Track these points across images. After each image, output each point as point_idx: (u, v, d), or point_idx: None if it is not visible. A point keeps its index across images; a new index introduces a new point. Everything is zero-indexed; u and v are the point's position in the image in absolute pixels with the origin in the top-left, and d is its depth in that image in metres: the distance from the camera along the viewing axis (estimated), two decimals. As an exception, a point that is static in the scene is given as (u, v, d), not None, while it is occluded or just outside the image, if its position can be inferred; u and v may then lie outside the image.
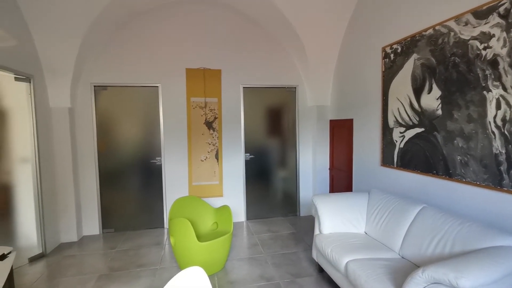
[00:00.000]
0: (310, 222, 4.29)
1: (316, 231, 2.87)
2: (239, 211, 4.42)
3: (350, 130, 3.79)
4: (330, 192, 4.41)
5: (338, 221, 2.76)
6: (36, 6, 3.07)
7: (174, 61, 4.09)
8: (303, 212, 4.64)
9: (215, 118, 4.26)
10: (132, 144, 4.08)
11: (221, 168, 4.31)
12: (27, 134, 3.22)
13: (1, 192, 3.01)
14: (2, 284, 1.59)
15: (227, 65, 4.26)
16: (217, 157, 4.29)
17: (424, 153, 2.59)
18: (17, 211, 3.15)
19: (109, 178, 4.04)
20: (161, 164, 4.16)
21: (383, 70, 3.09)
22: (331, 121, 4.35)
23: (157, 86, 4.08)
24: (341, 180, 4.08)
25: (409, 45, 2.75)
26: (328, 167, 4.43)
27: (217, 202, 4.33)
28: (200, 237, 3.06)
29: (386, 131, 3.06)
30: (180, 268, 2.92)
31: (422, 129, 2.60)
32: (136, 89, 4.04)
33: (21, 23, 3.08)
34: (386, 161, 3.07)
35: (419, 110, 2.63)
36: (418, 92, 2.65)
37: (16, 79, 3.08)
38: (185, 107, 4.16)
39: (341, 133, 4.06)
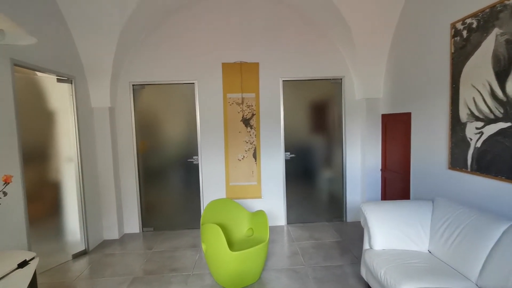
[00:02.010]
0: (358, 229, 3.82)
1: (366, 246, 2.45)
2: (279, 215, 4.12)
3: (407, 125, 3.24)
4: (382, 197, 3.88)
5: (393, 235, 2.31)
6: (75, 6, 3.09)
7: (210, 56, 3.92)
8: (350, 217, 4.17)
9: (253, 114, 4.00)
10: (170, 143, 4.01)
11: (259, 168, 4.05)
12: (71, 134, 3.30)
13: (51, 189, 3.12)
14: None
15: (265, 57, 3.96)
16: (255, 156, 4.03)
17: (511, 155, 2.01)
18: (64, 207, 3.25)
19: (148, 177, 4.03)
20: (198, 163, 4.03)
21: (452, 51, 2.52)
22: (383, 115, 3.80)
23: (193, 83, 3.95)
24: (395, 183, 3.54)
25: (488, 18, 2.17)
26: (380, 168, 3.89)
27: (255, 204, 4.08)
28: (233, 244, 2.83)
29: (456, 126, 2.49)
30: (212, 276, 2.72)
31: (509, 124, 2.02)
32: (172, 86, 3.96)
33: (62, 24, 3.13)
34: (456, 163, 2.50)
35: (504, 99, 2.05)
36: (502, 76, 2.06)
37: (59, 80, 3.16)
38: (221, 103, 3.97)
39: (395, 129, 3.51)
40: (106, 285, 2.69)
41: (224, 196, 4.05)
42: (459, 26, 2.45)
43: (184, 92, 3.97)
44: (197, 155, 4.02)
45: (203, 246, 2.63)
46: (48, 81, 3.06)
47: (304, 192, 4.16)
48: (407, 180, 3.27)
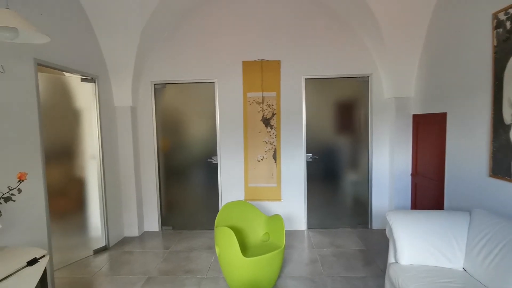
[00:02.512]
0: (385, 238, 3.56)
1: (391, 259, 2.23)
2: (299, 219, 3.96)
3: (442, 127, 2.94)
4: (412, 205, 3.58)
5: (423, 249, 2.08)
6: (98, 6, 3.15)
7: (230, 54, 3.84)
8: (376, 224, 3.91)
9: (273, 114, 3.87)
10: (189, 142, 3.99)
11: (279, 169, 3.91)
12: (94, 132, 3.37)
13: (76, 185, 3.21)
14: None
15: (287, 55, 3.82)
16: (274, 157, 3.90)
17: None
18: (88, 204, 3.33)
19: (168, 176, 4.04)
20: (217, 163, 3.97)
21: (495, 44, 2.23)
22: (415, 116, 3.51)
23: (214, 82, 3.90)
24: (427, 191, 3.25)
25: (542, 4, 1.87)
26: (410, 172, 3.60)
27: (274, 207, 3.94)
28: (248, 249, 2.73)
29: (499, 128, 2.20)
30: (226, 281, 2.64)
31: None
32: (193, 85, 3.93)
33: (86, 24, 3.20)
34: (499, 170, 2.21)
35: (561, 97, 1.75)
36: (558, 71, 1.77)
37: (83, 80, 3.23)
38: (241, 103, 3.88)
39: (428, 131, 3.22)
40: (121, 283, 2.70)
41: (243, 198, 3.96)
42: (502, 16, 2.15)
43: (204, 91, 3.93)
44: (216, 155, 3.97)
45: (217, 250, 2.55)
46: (73, 80, 3.14)
47: (326, 196, 3.96)
48: (440, 188, 2.98)
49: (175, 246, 3.51)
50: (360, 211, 3.96)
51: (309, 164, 3.93)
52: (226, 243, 2.40)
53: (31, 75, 2.43)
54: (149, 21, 3.35)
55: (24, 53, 2.36)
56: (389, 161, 3.81)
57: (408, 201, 3.61)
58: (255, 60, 3.83)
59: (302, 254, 3.20)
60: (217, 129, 3.92)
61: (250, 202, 3.93)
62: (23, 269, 1.58)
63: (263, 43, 3.81)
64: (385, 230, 3.78)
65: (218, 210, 4.03)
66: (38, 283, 1.73)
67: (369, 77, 3.81)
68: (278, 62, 3.82)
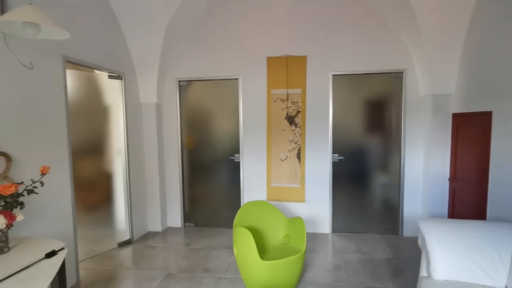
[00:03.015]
0: (416, 247, 3.29)
1: (423, 272, 2.02)
2: (323, 221, 3.78)
3: (486, 127, 2.64)
4: (449, 213, 3.27)
5: (459, 263, 1.85)
6: (123, 2, 3.19)
7: (254, 50, 3.75)
8: (407, 231, 3.63)
9: (298, 112, 3.72)
10: (212, 139, 3.97)
11: (303, 169, 3.76)
12: (120, 128, 3.45)
13: (103, 179, 3.31)
14: (47, 284, 1.51)
15: (313, 50, 3.65)
16: (299, 156, 3.76)
17: None
18: (114, 198, 3.42)
19: (191, 172, 4.05)
20: (239, 162, 3.91)
21: (556, 32, 1.92)
22: (455, 115, 3.19)
23: (237, 78, 3.83)
24: (467, 198, 2.94)
25: None
26: (448, 177, 3.29)
27: (298, 208, 3.81)
28: (267, 251, 2.63)
29: (559, 130, 1.90)
30: (243, 283, 2.56)
31: None
32: (217, 82, 3.90)
33: (113, 20, 3.27)
34: (556, 178, 1.91)
35: None
36: None
37: (110, 76, 3.31)
38: (265, 100, 3.78)
39: (470, 131, 2.91)
40: (141, 278, 2.73)
41: (265, 198, 3.87)
42: None
43: (228, 88, 3.88)
44: (239, 153, 3.90)
45: (235, 250, 2.48)
46: (100, 77, 3.22)
47: (353, 199, 3.75)
48: (483, 195, 2.67)
49: (196, 244, 3.50)
50: (389, 216, 3.70)
51: (335, 165, 3.74)
52: (243, 244, 2.32)
53: (59, 71, 2.50)
54: (174, 18, 3.35)
55: (53, 50, 2.44)
56: (423, 164, 3.52)
57: (445, 209, 3.31)
58: (280, 56, 3.70)
59: (325, 259, 3.05)
60: (240, 126, 3.85)
61: (272, 202, 3.83)
62: (41, 261, 1.61)
63: (288, 38, 3.68)
64: (417, 238, 3.50)
65: (239, 207, 3.97)
66: (56, 275, 1.76)
67: (403, 73, 3.54)
68: (304, 58, 3.66)
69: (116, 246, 3.43)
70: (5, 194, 1.53)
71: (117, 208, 3.45)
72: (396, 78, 3.57)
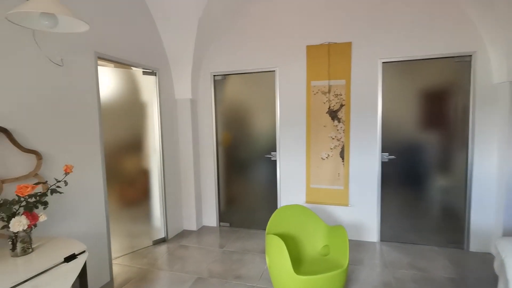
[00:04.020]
0: (486, 265, 2.73)
1: (504, 307, 1.58)
2: (370, 228, 3.37)
3: None
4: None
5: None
6: (157, -2, 3.11)
7: (292, 39, 3.44)
8: (474, 245, 3.06)
9: (341, 105, 3.34)
10: (248, 136, 3.76)
11: (347, 169, 3.37)
12: (155, 125, 3.40)
13: (141, 176, 3.30)
14: None
15: (359, 35, 3.23)
16: (342, 155, 3.38)
17: None
18: (151, 195, 3.40)
19: (226, 171, 3.90)
20: (276, 160, 3.65)
21: None
22: (542, 105, 2.56)
23: (274, 71, 3.56)
24: (561, 209, 2.33)
25: None
26: (532, 182, 2.67)
27: (341, 212, 3.44)
28: (303, 262, 2.34)
29: None
30: (277, 295, 2.31)
31: None
32: (252, 75, 3.67)
33: (147, 15, 3.20)
34: None
35: None
36: None
37: (144, 73, 3.26)
38: (304, 93, 3.46)
39: None
40: (172, 280, 2.63)
41: (304, 200, 3.56)
42: None
43: (264, 81, 3.63)
44: (275, 151, 3.64)
45: (267, 259, 2.24)
46: (135, 73, 3.18)
47: (406, 204, 3.27)
48: None
49: (230, 246, 3.34)
50: (452, 226, 3.15)
51: (384, 165, 3.29)
52: (276, 255, 2.07)
53: (91, 68, 2.47)
54: (206, 9, 3.18)
55: (85, 47, 2.41)
56: (497, 166, 2.92)
57: (527, 221, 2.70)
58: (321, 44, 3.34)
59: (371, 274, 2.66)
60: (277, 122, 3.58)
61: (312, 205, 3.51)
62: (59, 266, 1.54)
63: (330, 24, 3.30)
64: (486, 254, 2.93)
65: (275, 209, 3.71)
66: (77, 279, 1.68)
67: (472, 56, 2.96)
68: (349, 44, 3.26)
69: (151, 244, 3.41)
70: (21, 195, 1.46)
71: (153, 206, 3.43)
72: (462, 63, 3.00)
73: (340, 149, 3.38)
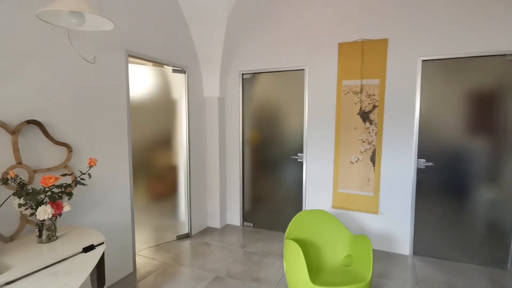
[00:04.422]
0: (540, 293, 2.39)
1: None
2: (401, 239, 3.13)
3: None
4: None
5: None
6: (188, -3, 3.15)
7: (323, 36, 3.30)
8: (525, 268, 2.70)
9: (374, 107, 3.13)
10: (274, 136, 3.68)
11: (378, 175, 3.16)
12: (184, 122, 3.46)
13: (170, 171, 3.38)
14: (83, 279, 1.46)
15: (396, 30, 3.00)
16: (373, 160, 3.17)
17: None
18: (177, 191, 3.47)
19: (251, 170, 3.86)
20: (302, 162, 3.54)
21: None
22: None
23: (303, 69, 3.44)
24: None
25: None
26: None
27: (369, 220, 3.23)
28: (322, 272, 2.22)
29: None
30: (294, 303, 2.22)
31: None
32: (281, 74, 3.58)
33: (178, 12, 3.26)
34: None
35: None
36: None
37: (174, 71, 3.33)
38: (334, 92, 3.30)
39: None
40: (190, 276, 2.65)
41: (330, 204, 3.40)
42: None
43: (292, 80, 3.53)
44: (302, 152, 3.53)
45: (284, 265, 2.16)
46: (165, 71, 3.26)
47: (444, 215, 2.98)
48: None
49: (251, 246, 3.29)
50: (496, 243, 2.82)
51: (420, 172, 3.03)
52: (293, 261, 1.98)
53: (122, 65, 2.56)
54: (235, 8, 3.16)
55: (116, 45, 2.50)
56: (557, 179, 2.54)
57: None
58: (354, 41, 3.16)
59: (400, 289, 2.46)
60: (305, 122, 3.46)
61: (338, 210, 3.34)
62: (77, 255, 1.59)
63: (365, 19, 3.10)
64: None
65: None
66: (94, 269, 1.74)
67: (530, 54, 2.61)
68: (385, 41, 3.04)
69: (175, 238, 3.48)
70: (45, 185, 1.54)
71: (179, 202, 3.49)
72: (517, 61, 2.66)
73: (371, 153, 3.18)
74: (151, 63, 3.18)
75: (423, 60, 2.94)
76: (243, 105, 3.81)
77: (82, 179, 1.82)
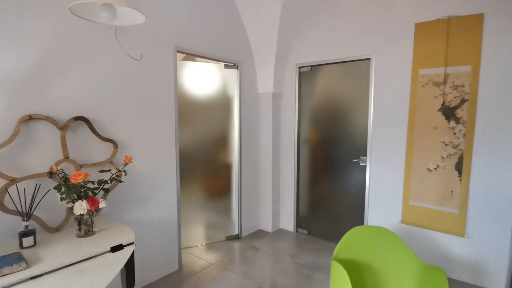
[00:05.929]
0: None
1: None
2: (496, 272, 2.41)
3: None
4: None
5: None
6: (240, -13, 2.99)
7: (395, 17, 2.76)
8: None
9: (463, 101, 2.47)
10: (333, 136, 3.27)
11: (466, 188, 2.50)
12: (236, 120, 3.34)
13: (222, 170, 3.33)
14: (109, 280, 1.43)
15: (495, 2, 2.29)
16: (459, 167, 2.52)
17: None
18: (229, 191, 3.40)
19: (307, 173, 3.52)
20: (365, 166, 3.06)
21: None
22: None
23: (369, 59, 2.95)
24: None
25: None
26: None
27: (452, 244, 2.59)
28: (382, 305, 1.79)
29: None
30: (343, 336, 1.85)
31: None
32: (343, 65, 3.15)
33: (231, 5, 3.12)
34: None
35: None
36: None
37: (226, 66, 3.22)
38: (408, 84, 2.74)
39: None
40: (231, 283, 2.50)
41: (399, 219, 2.85)
42: None
43: (355, 72, 3.07)
44: (366, 155, 3.04)
45: (331, 290, 1.81)
46: (218, 67, 3.17)
47: None
48: None
49: (302, 257, 2.98)
50: None
51: (530, 188, 2.28)
52: (339, 287, 1.62)
53: (170, 62, 2.54)
54: (291, -8, 2.87)
55: (165, 41, 2.48)
56: None
57: None
58: (436, 20, 2.55)
59: None
60: (370, 120, 2.97)
61: (410, 227, 2.78)
62: (104, 254, 1.56)
63: (453, -9, 2.47)
64: None
65: (361, 223, 3.12)
66: (123, 269, 1.70)
67: None
68: (480, 17, 2.36)
69: (224, 239, 3.39)
70: (75, 182, 1.54)
71: (230, 201, 3.40)
72: None
73: (457, 159, 2.53)
74: (201, 59, 3.12)
75: (539, 38, 2.18)
76: (299, 101, 3.50)
77: (118, 175, 1.80)
